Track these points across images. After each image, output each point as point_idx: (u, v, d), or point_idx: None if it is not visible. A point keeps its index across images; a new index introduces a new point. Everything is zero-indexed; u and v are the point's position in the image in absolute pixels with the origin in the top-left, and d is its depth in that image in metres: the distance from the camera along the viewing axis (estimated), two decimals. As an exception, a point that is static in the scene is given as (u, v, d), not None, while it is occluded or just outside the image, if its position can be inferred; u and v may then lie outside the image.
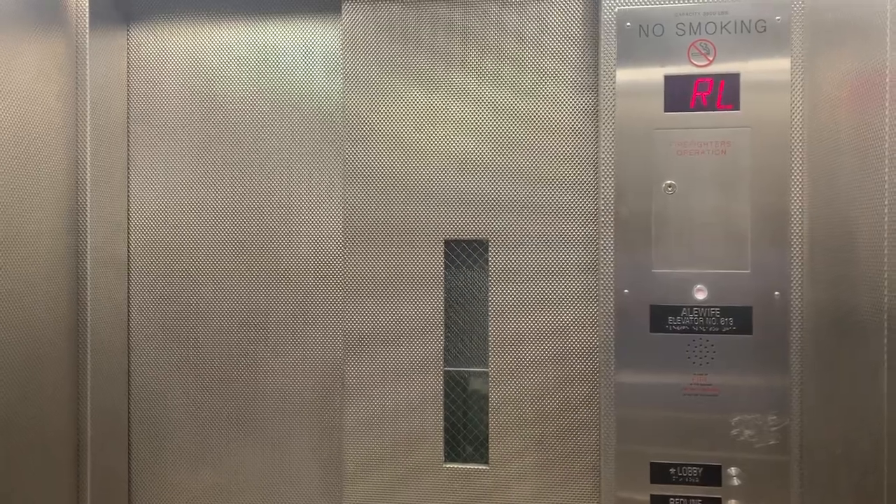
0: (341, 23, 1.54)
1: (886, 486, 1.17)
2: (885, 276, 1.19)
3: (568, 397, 1.48)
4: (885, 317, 1.18)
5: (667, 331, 1.34)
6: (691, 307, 1.33)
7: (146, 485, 1.67)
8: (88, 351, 1.51)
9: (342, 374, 1.55)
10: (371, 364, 1.54)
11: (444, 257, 1.52)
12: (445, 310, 1.52)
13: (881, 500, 1.17)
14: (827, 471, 1.28)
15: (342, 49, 1.54)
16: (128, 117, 1.66)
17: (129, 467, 1.67)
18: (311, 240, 1.61)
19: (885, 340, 1.17)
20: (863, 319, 1.23)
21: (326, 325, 1.61)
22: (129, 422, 1.67)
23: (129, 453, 1.67)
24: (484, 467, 1.51)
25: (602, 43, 1.39)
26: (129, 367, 1.66)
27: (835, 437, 1.26)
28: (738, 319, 1.32)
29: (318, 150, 1.61)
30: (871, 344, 1.21)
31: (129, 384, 1.66)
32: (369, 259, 1.53)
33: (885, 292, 1.18)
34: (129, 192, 1.66)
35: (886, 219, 1.22)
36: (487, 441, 1.51)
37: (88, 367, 1.51)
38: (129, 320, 1.66)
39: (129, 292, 1.66)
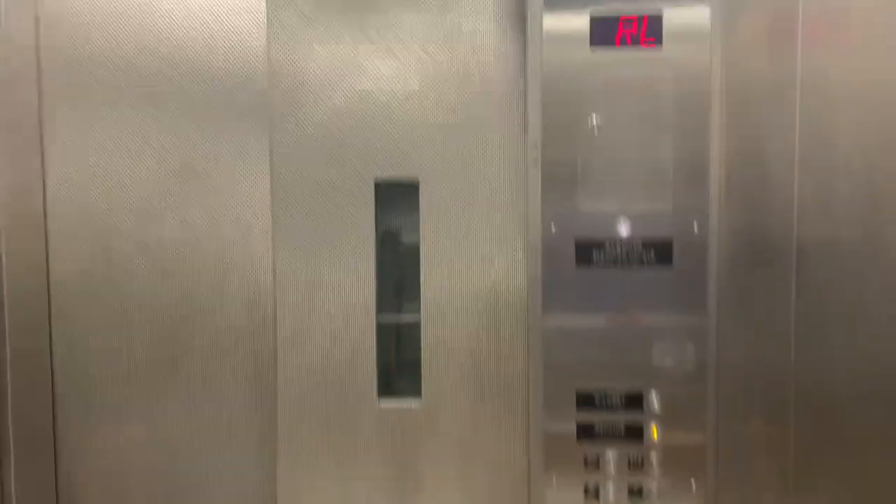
0: (262, -44, 1.48)
1: (794, 402, 1.25)
2: (795, 206, 1.25)
3: (499, 333, 1.51)
4: (794, 243, 1.24)
5: (592, 265, 1.38)
6: (615, 241, 1.37)
7: (72, 439, 1.63)
8: (5, 297, 1.45)
9: (273, 321, 1.54)
10: (302, 312, 1.53)
11: (375, 199, 1.51)
12: (377, 254, 1.52)
13: (789, 414, 1.25)
14: (741, 391, 1.37)
15: (263, -16, 1.48)
16: (38, 58, 1.56)
17: (53, 420, 1.62)
18: (238, 187, 1.57)
19: (794, 266, 1.24)
20: (774, 247, 1.30)
21: (255, 274, 1.58)
22: (52, 373, 1.61)
23: (53, 406, 1.62)
24: (416, 404, 1.53)
25: (529, -21, 1.39)
26: (49, 314, 1.60)
27: (749, 359, 1.34)
28: (660, 252, 1.37)
29: (244, 100, 1.56)
30: (781, 270, 1.27)
31: (50, 333, 1.60)
32: (297, 204, 1.51)
33: (794, 221, 1.25)
34: (42, 142, 1.57)
35: (797, 154, 1.27)
36: (420, 381, 1.53)
37: (6, 316, 1.45)
38: (48, 264, 1.59)
39: (46, 238, 1.59)
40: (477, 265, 1.50)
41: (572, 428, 1.42)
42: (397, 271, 1.56)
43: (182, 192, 1.59)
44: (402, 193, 1.53)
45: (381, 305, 1.54)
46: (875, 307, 0.93)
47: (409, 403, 1.53)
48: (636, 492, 1.41)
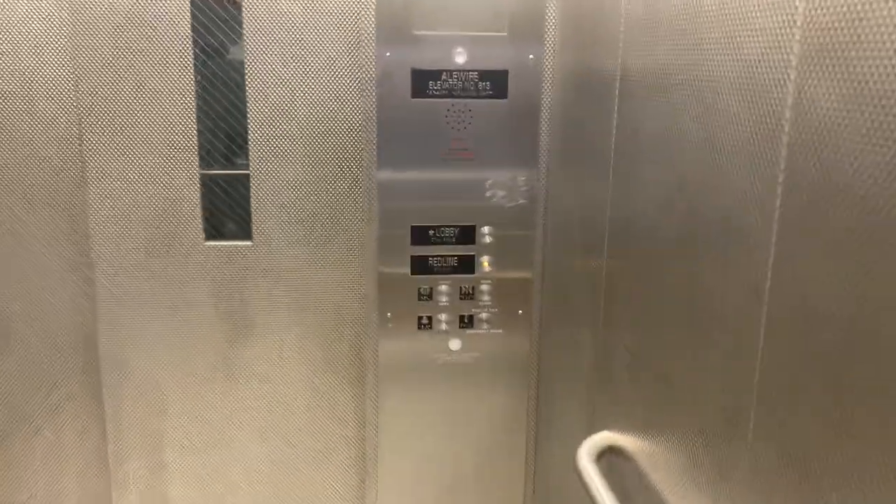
0: None
1: (607, 235, 1.32)
2: (621, 41, 1.27)
3: (334, 173, 1.45)
4: (618, 73, 1.27)
5: (427, 96, 1.34)
6: (451, 71, 1.34)
7: None
8: None
9: (81, 162, 1.37)
10: (112, 150, 1.38)
11: (192, 20, 1.34)
12: (197, 96, 1.38)
13: (603, 248, 1.32)
14: (565, 223, 1.43)
15: None
16: None
17: None
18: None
19: (616, 96, 1.27)
20: (602, 80, 1.32)
21: (57, 110, 1.38)
22: None
23: None
24: (248, 244, 1.47)
25: None
26: None
27: (573, 189, 1.39)
28: (495, 84, 1.36)
29: None
30: (605, 102, 1.30)
31: None
32: (100, 25, 1.31)
33: (620, 53, 1.26)
34: None
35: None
36: (251, 221, 1.46)
37: None
38: None
39: None
40: (306, 96, 1.41)
41: (407, 262, 1.43)
42: (222, 114, 1.43)
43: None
44: (224, 13, 1.37)
45: (205, 146, 1.42)
46: (687, 133, 0.97)
47: (239, 244, 1.47)
48: (467, 321, 1.47)
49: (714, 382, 0.79)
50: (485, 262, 1.45)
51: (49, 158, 1.40)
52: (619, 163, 1.26)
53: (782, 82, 0.65)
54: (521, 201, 1.43)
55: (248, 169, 1.43)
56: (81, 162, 1.39)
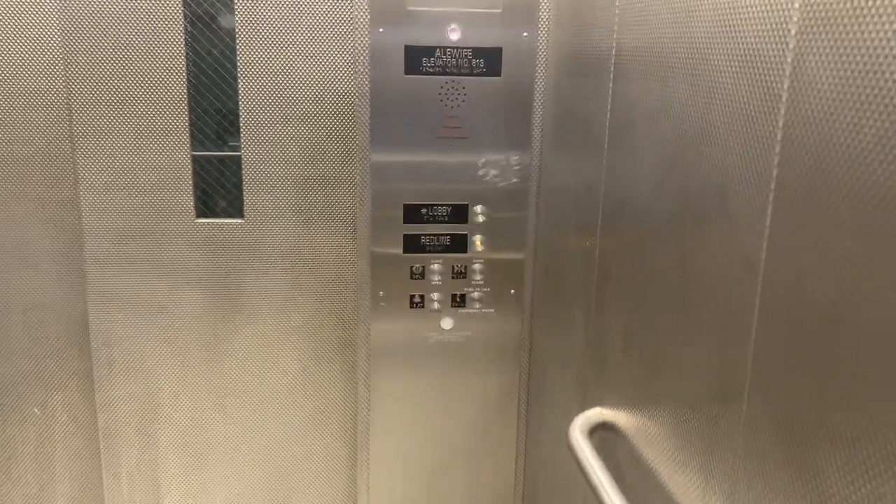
0: None
1: (601, 214, 1.32)
2: (616, 19, 1.26)
3: (327, 143, 1.44)
4: (613, 54, 1.26)
5: (421, 72, 1.33)
6: (445, 48, 1.33)
7: None
8: None
9: (72, 150, 1.36)
10: (104, 138, 1.36)
11: (183, 6, 1.32)
12: (188, 79, 1.36)
13: (596, 227, 1.32)
14: (559, 202, 1.43)
15: None
16: None
17: None
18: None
19: (611, 73, 1.27)
20: (596, 58, 1.31)
21: (46, 91, 1.36)
22: None
23: None
24: (239, 221, 1.46)
25: None
26: None
27: (567, 168, 1.39)
28: (489, 61, 1.35)
29: None
30: (600, 79, 1.30)
31: None
32: (90, 4, 1.29)
33: (615, 30, 1.26)
34: None
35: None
36: (242, 199, 1.44)
37: None
38: None
39: None
40: (300, 80, 1.39)
41: (399, 241, 1.43)
42: (213, 97, 1.42)
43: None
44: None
45: (196, 124, 1.40)
46: (682, 110, 0.97)
47: (230, 221, 1.46)
48: (459, 300, 1.47)
49: (708, 359, 0.79)
50: (477, 241, 1.45)
51: (39, 139, 1.39)
52: (613, 141, 1.25)
53: (780, 55, 0.64)
54: (514, 180, 1.42)
55: (239, 150, 1.41)
56: (72, 142, 1.37)
